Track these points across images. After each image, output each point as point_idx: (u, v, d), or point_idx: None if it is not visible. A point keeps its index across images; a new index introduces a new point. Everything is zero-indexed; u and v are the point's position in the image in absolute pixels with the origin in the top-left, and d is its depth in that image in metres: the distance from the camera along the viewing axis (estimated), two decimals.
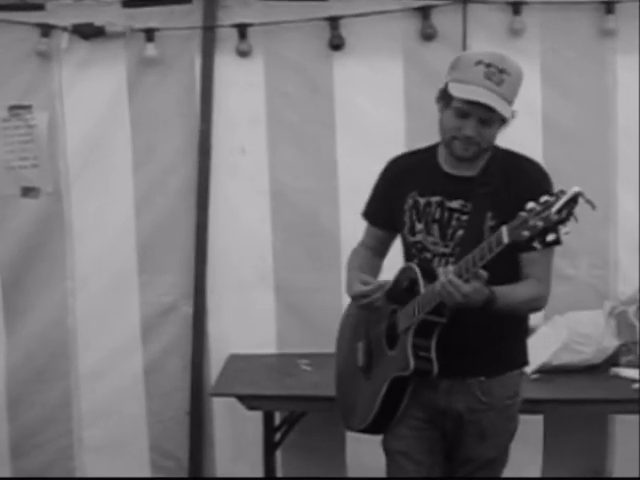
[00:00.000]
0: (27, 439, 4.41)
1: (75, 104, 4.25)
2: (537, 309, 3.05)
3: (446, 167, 2.98)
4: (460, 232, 2.92)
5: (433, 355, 2.88)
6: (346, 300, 3.24)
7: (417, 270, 2.93)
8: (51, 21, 4.16)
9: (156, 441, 4.41)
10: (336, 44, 4.14)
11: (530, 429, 3.92)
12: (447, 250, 2.95)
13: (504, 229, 2.58)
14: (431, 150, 3.04)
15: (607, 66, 4.14)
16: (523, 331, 3.10)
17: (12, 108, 4.25)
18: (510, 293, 2.85)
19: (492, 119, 2.82)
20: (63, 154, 4.28)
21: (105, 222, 4.32)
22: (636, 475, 4.05)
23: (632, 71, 4.09)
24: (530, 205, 2.53)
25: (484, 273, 2.70)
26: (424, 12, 4.11)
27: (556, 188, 2.60)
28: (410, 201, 3.01)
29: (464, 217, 2.91)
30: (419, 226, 2.99)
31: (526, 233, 2.52)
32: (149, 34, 4.14)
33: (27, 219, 4.32)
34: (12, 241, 4.32)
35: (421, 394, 3.01)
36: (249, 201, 4.30)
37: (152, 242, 4.32)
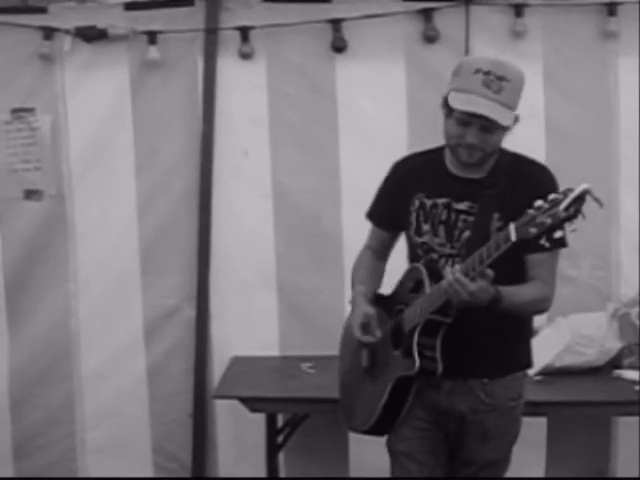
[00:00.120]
0: (30, 440, 4.42)
1: (78, 107, 4.26)
2: (542, 311, 3.05)
3: (453, 169, 2.99)
4: (466, 233, 2.93)
5: (438, 355, 2.89)
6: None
7: (423, 270, 2.94)
8: (54, 24, 4.17)
9: (159, 443, 4.41)
10: (338, 46, 4.15)
11: (533, 431, 3.92)
12: (453, 251, 2.95)
13: (512, 226, 2.59)
14: (438, 152, 3.04)
15: (609, 68, 4.15)
16: (527, 333, 3.11)
17: (15, 111, 4.26)
18: (516, 293, 2.85)
19: (493, 126, 2.82)
20: (66, 157, 4.29)
21: (108, 224, 4.33)
22: (639, 476, 4.06)
23: (634, 73, 4.09)
24: (538, 203, 2.54)
25: (490, 272, 2.71)
26: (426, 14, 4.11)
27: (560, 189, 2.61)
28: (417, 202, 3.01)
29: (471, 218, 2.92)
30: (425, 227, 3.00)
31: (534, 230, 2.53)
32: (152, 37, 4.15)
33: (30, 222, 4.32)
34: (15, 243, 4.33)
35: (424, 394, 3.01)
36: (252, 203, 4.30)
37: (155, 244, 4.33)
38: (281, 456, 4.21)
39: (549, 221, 2.51)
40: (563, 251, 2.96)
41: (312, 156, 4.28)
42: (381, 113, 4.22)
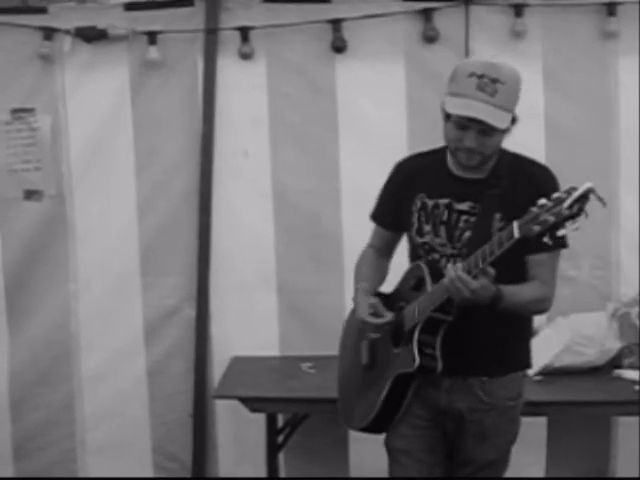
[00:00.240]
0: (30, 441, 4.42)
1: (78, 107, 4.26)
2: (542, 311, 3.06)
3: (455, 169, 2.99)
4: (468, 234, 2.93)
5: (438, 353, 2.90)
6: (348, 302, 3.24)
7: (425, 268, 2.95)
8: (54, 24, 4.17)
9: (159, 443, 4.41)
10: (338, 46, 4.15)
11: (533, 431, 3.93)
12: (455, 251, 2.96)
13: (515, 224, 2.60)
14: (440, 152, 3.04)
15: (609, 68, 4.15)
16: (527, 333, 3.11)
17: (15, 111, 4.26)
18: (517, 293, 2.86)
19: (491, 129, 2.82)
20: (66, 157, 4.29)
21: (108, 225, 4.33)
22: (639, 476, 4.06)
23: (634, 73, 4.09)
24: (542, 201, 2.55)
25: (492, 270, 2.72)
26: (426, 14, 4.11)
27: (561, 189, 2.61)
28: (418, 203, 3.02)
29: (472, 219, 2.93)
30: (427, 227, 3.01)
31: (537, 228, 2.54)
32: (152, 37, 4.15)
33: (30, 222, 4.32)
34: (15, 244, 4.33)
35: (424, 392, 3.02)
36: (252, 203, 4.30)
37: (155, 245, 4.33)
38: (281, 456, 4.21)
39: (552, 219, 2.52)
40: (563, 251, 2.97)
41: (312, 156, 4.28)
42: (381, 113, 4.22)
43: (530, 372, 3.43)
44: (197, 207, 4.26)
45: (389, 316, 3.02)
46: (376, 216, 3.21)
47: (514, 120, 2.85)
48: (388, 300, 3.10)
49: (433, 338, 2.90)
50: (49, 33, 4.16)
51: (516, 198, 2.82)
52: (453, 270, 2.75)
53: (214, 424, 4.38)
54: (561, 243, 2.82)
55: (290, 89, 4.24)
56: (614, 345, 4.01)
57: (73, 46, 4.17)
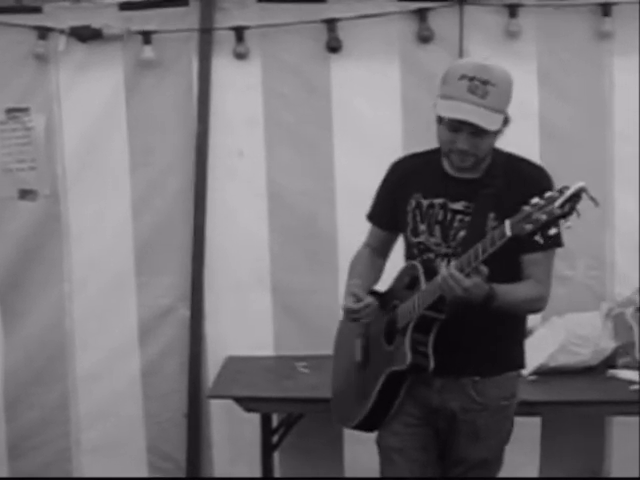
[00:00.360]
0: (25, 440, 4.41)
1: (72, 106, 4.25)
2: (537, 310, 3.07)
3: (449, 169, 2.99)
4: (462, 233, 2.94)
5: (430, 351, 2.90)
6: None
7: (419, 267, 2.96)
8: (48, 24, 4.16)
9: (153, 443, 4.41)
10: (333, 46, 4.15)
11: (527, 431, 3.92)
12: (449, 251, 2.96)
13: (507, 222, 2.61)
14: (435, 152, 3.04)
15: (604, 68, 4.15)
16: (521, 333, 3.11)
17: (9, 111, 4.25)
18: (511, 292, 2.86)
19: (483, 131, 2.83)
20: (61, 156, 4.29)
21: (103, 224, 4.32)
22: (634, 475, 4.06)
23: (629, 73, 4.10)
24: (534, 200, 2.56)
25: (485, 269, 2.73)
26: (421, 14, 4.11)
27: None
28: (413, 202, 3.03)
29: (467, 218, 2.94)
30: (422, 227, 3.01)
31: (529, 226, 2.55)
32: (146, 36, 4.15)
33: (25, 221, 4.32)
34: (10, 243, 4.32)
35: (416, 391, 3.02)
36: (246, 203, 4.30)
37: (149, 244, 4.32)
38: (276, 456, 4.21)
39: (544, 218, 2.53)
40: (559, 251, 2.97)
41: (307, 156, 4.28)
42: (376, 113, 4.22)
43: (525, 372, 3.43)
44: (192, 207, 4.25)
45: (368, 299, 3.02)
46: (372, 216, 3.21)
47: (506, 121, 2.86)
48: (382, 299, 3.10)
49: (426, 337, 2.91)
50: (44, 33, 4.16)
51: (510, 198, 2.81)
52: (445, 268, 2.75)
53: (209, 424, 4.38)
54: (556, 242, 2.83)
55: (285, 89, 4.24)
56: (608, 345, 4.02)
57: (68, 46, 4.17)
